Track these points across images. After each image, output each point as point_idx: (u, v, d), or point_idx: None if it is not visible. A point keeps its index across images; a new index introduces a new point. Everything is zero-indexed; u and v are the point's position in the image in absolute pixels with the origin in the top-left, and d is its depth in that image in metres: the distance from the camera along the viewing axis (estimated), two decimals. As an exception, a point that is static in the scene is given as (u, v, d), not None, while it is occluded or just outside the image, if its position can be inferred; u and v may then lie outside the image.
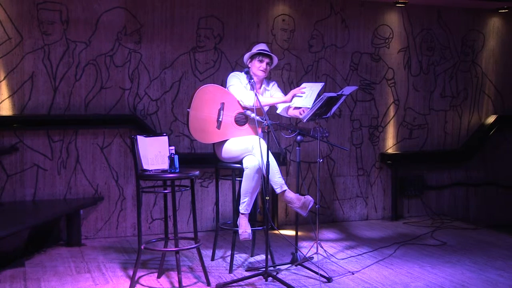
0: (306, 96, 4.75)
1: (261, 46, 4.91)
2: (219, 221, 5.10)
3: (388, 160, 6.78)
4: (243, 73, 4.83)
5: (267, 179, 4.50)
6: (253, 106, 4.61)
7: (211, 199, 6.13)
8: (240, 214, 4.67)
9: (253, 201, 4.68)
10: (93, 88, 5.73)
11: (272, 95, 4.97)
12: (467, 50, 7.17)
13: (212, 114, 4.72)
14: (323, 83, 4.87)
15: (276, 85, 5.05)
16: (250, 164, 4.60)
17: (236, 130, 4.78)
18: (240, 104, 4.77)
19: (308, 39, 6.46)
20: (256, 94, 4.60)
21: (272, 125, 4.45)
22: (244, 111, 4.74)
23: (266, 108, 4.92)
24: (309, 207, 4.62)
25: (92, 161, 5.76)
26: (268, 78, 5.21)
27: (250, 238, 4.64)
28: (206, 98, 4.71)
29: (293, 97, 4.77)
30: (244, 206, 4.65)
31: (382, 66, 6.80)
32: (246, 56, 4.91)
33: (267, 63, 4.83)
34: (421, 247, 5.53)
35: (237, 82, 4.82)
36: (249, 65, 4.89)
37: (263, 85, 4.97)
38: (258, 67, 4.82)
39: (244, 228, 4.60)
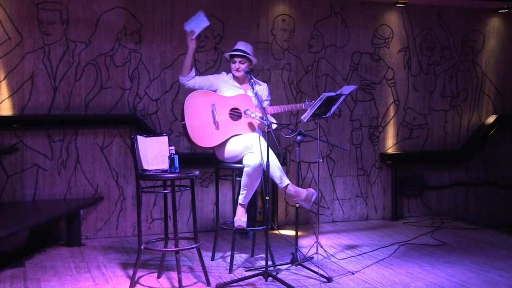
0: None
1: (236, 45, 4.98)
2: (219, 221, 5.10)
3: (388, 160, 6.78)
4: (223, 73, 5.03)
5: (267, 176, 4.50)
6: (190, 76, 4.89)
7: (211, 199, 6.13)
8: (238, 204, 4.71)
9: (252, 193, 4.72)
10: (93, 88, 5.73)
11: (261, 92, 5.00)
12: (467, 50, 7.17)
13: (207, 118, 4.73)
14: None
15: (267, 89, 5.06)
16: (250, 162, 4.61)
17: (234, 125, 4.80)
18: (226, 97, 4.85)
19: (308, 39, 6.46)
20: (258, 98, 4.62)
21: (272, 125, 4.46)
22: (245, 111, 4.74)
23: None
24: (313, 199, 4.63)
25: (92, 161, 5.76)
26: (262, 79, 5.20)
27: (245, 226, 4.67)
28: (196, 105, 4.74)
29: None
30: (242, 198, 4.71)
31: (382, 66, 6.80)
32: (227, 57, 5.02)
33: (239, 62, 4.89)
34: (421, 247, 5.53)
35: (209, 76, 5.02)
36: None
37: (252, 80, 4.98)
38: (232, 68, 4.95)
39: (240, 217, 4.67)
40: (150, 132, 5.65)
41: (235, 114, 4.83)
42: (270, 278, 4.39)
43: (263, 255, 5.09)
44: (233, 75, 4.98)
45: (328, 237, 5.94)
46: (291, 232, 5.83)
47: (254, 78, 4.83)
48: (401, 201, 6.92)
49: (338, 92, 4.83)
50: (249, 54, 4.90)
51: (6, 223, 4.72)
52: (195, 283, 4.46)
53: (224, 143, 4.78)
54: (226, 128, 4.77)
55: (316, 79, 6.48)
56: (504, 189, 7.39)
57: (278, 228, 6.11)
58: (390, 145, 6.88)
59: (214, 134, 4.74)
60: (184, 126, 4.72)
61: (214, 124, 4.74)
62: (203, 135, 4.71)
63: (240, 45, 4.95)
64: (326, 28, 6.52)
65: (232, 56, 4.93)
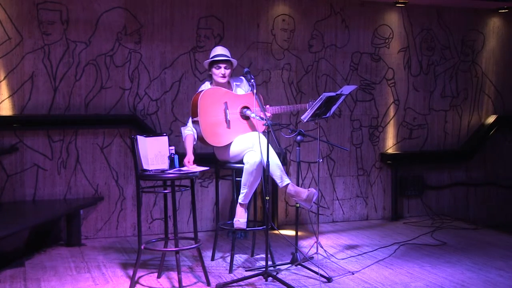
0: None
1: (216, 51, 4.81)
2: (219, 221, 5.10)
3: (388, 160, 6.78)
4: (206, 82, 4.85)
5: (267, 176, 4.49)
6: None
7: (211, 199, 6.13)
8: (238, 203, 4.71)
9: (252, 192, 4.70)
10: (93, 88, 5.73)
11: (246, 90, 4.92)
12: (467, 50, 7.17)
13: (219, 116, 4.71)
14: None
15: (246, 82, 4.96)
16: (251, 160, 4.60)
17: (243, 124, 4.78)
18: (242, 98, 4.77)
19: (308, 39, 6.46)
20: (256, 97, 4.61)
21: (272, 126, 4.46)
22: (245, 111, 4.73)
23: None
24: (313, 199, 4.62)
25: (92, 161, 5.76)
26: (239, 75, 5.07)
27: (244, 227, 4.66)
28: (209, 102, 4.69)
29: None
30: (242, 197, 4.68)
31: (382, 66, 6.80)
32: (206, 65, 4.83)
33: (225, 68, 4.75)
34: (421, 247, 5.53)
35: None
36: (210, 73, 4.81)
37: (234, 82, 4.92)
38: (217, 75, 4.75)
39: (239, 217, 4.65)
40: (150, 132, 5.64)
41: (244, 113, 4.80)
42: (270, 278, 4.39)
43: (263, 255, 5.09)
44: (211, 83, 4.85)
45: (328, 237, 5.94)
46: (291, 232, 5.83)
47: (253, 79, 4.74)
48: (401, 201, 6.92)
49: (338, 92, 4.83)
50: (230, 57, 4.78)
51: (6, 223, 4.73)
52: (195, 283, 4.46)
53: (228, 145, 4.77)
54: (236, 126, 4.75)
55: (316, 79, 6.48)
56: (504, 189, 7.39)
57: (278, 228, 6.11)
58: (390, 145, 6.88)
59: (225, 133, 4.72)
60: (197, 122, 4.68)
61: (226, 122, 4.73)
62: (215, 133, 4.69)
63: (221, 50, 4.81)
64: (326, 28, 6.52)
65: (215, 62, 4.75)
